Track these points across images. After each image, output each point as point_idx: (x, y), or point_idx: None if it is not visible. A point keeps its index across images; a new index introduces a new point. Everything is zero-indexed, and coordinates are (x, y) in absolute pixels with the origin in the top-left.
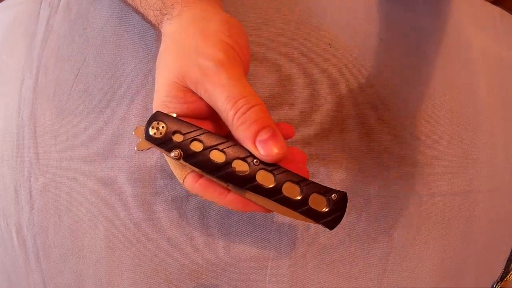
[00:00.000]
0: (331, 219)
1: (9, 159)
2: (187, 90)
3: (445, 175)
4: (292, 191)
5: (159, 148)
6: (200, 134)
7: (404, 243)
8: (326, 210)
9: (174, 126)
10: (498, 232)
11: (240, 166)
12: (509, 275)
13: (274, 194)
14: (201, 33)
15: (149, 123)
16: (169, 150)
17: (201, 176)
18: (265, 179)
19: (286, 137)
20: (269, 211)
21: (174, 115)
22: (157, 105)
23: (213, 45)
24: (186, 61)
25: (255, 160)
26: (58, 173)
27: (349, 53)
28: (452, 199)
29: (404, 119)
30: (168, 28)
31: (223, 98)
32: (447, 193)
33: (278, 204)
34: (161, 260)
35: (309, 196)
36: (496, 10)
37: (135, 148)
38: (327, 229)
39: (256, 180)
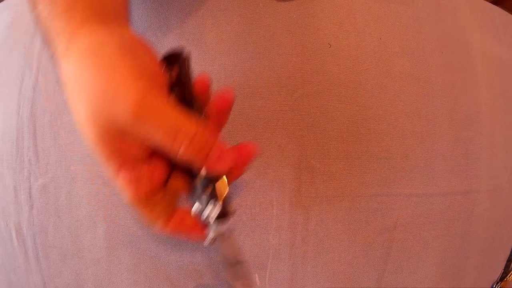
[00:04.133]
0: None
1: (8, 159)
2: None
3: (445, 175)
4: None
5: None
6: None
7: (404, 243)
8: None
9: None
10: (498, 232)
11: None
12: (509, 275)
13: None
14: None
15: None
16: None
17: None
18: None
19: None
20: None
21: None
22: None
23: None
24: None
25: None
26: (58, 173)
27: (349, 53)
28: (452, 199)
29: (404, 119)
30: (65, 68)
31: (160, 134)
32: (447, 193)
33: None
34: (161, 260)
35: None
36: (496, 10)
37: None
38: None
39: None
